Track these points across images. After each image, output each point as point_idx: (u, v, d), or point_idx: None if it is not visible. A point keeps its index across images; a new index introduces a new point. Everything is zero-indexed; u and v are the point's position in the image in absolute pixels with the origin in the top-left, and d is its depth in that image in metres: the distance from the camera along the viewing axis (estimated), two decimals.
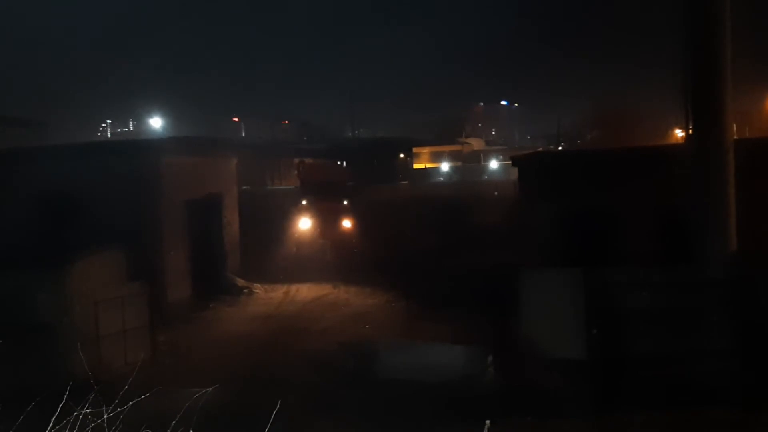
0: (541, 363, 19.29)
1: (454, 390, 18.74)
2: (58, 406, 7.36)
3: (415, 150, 77.03)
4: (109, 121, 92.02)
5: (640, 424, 16.42)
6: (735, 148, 20.26)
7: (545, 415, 16.92)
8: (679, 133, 40.48)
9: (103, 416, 7.06)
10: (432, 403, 17.86)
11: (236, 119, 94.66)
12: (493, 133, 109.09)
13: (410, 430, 16.28)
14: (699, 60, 20.29)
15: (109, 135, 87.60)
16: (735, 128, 24.30)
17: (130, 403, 7.39)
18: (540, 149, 60.82)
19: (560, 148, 69.03)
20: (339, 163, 62.21)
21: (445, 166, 75.51)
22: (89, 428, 6.96)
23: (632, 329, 19.18)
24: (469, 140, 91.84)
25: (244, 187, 42.73)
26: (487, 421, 7.26)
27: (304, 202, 42.10)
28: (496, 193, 43.32)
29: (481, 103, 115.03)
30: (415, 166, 75.94)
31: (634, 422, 16.52)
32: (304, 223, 39.77)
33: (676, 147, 26.39)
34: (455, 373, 19.63)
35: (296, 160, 58.18)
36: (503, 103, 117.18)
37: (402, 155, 71.75)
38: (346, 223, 40.04)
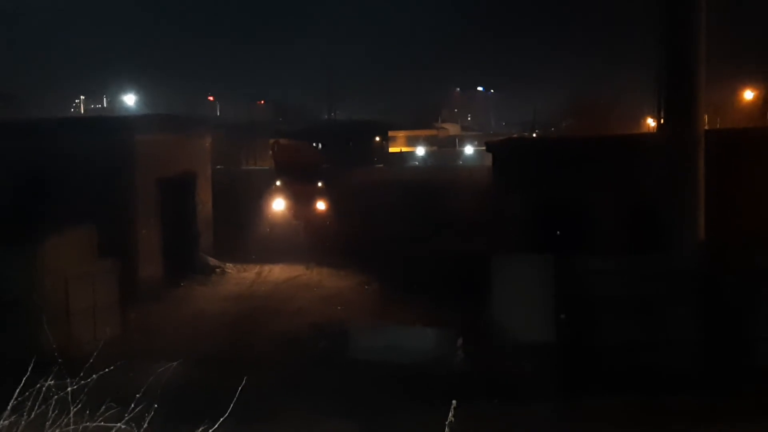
0: (510, 347, 19.49)
1: (423, 372, 18.86)
2: (21, 380, 7.33)
3: (390, 134, 76.95)
4: (82, 97, 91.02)
5: (607, 409, 16.59)
6: (706, 139, 20.48)
7: (512, 397, 17.06)
8: (651, 122, 40.82)
9: (67, 389, 7.05)
10: (401, 384, 17.97)
11: (212, 98, 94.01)
12: (469, 118, 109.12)
13: (378, 410, 16.36)
14: (672, 52, 20.46)
15: (82, 111, 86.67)
16: (707, 120, 24.54)
17: (94, 376, 7.37)
18: (515, 136, 60.99)
19: (534, 135, 69.27)
20: (314, 144, 62.00)
21: (420, 151, 75.56)
22: (53, 400, 6.94)
23: (601, 316, 19.40)
24: (445, 125, 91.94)
25: (219, 167, 42.50)
26: (453, 402, 7.33)
27: (278, 183, 41.97)
28: (470, 179, 43.41)
29: (458, 89, 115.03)
30: (391, 149, 75.89)
31: (601, 407, 16.68)
32: (278, 204, 39.67)
33: (649, 136, 26.65)
34: (425, 355, 19.74)
35: (271, 141, 57.88)
36: (480, 89, 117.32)
37: (378, 138, 71.63)
38: (320, 205, 40.00)
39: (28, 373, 7.41)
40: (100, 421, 6.97)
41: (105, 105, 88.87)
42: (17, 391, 7.10)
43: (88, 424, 6.90)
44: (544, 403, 16.89)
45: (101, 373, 7.65)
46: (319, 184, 42.18)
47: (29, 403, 6.94)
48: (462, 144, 79.90)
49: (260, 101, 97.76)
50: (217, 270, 32.20)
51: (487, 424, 14.83)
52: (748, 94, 53.43)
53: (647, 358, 18.67)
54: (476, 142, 73.94)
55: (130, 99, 76.36)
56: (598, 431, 15.71)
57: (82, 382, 7.27)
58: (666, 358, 18.55)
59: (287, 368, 19.71)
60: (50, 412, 6.89)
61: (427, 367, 19.22)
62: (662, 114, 20.91)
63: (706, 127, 22.00)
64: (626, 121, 48.97)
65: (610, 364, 18.53)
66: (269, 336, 22.81)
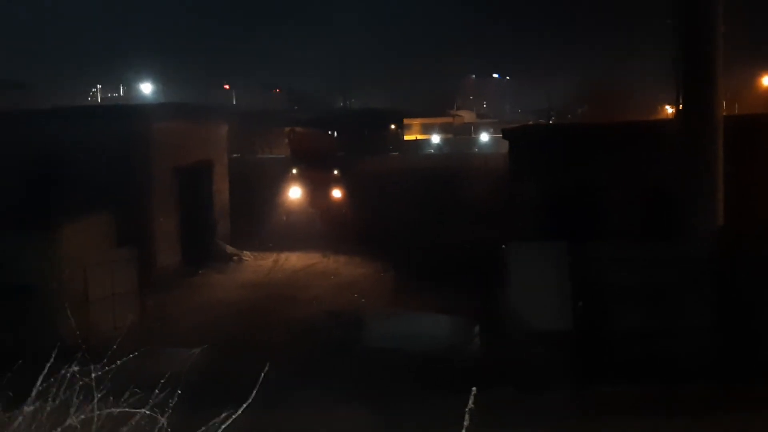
0: (526, 335, 19.50)
1: (439, 359, 18.92)
2: (45, 366, 7.44)
3: (405, 121, 76.88)
4: (99, 86, 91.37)
5: (621, 396, 16.61)
6: (724, 125, 20.37)
7: (529, 385, 17.11)
8: (669, 109, 40.57)
9: (91, 375, 7.15)
10: (417, 372, 18.04)
11: (227, 86, 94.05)
12: (485, 105, 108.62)
13: (394, 397, 16.44)
14: (690, 38, 20.34)
15: (99, 99, 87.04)
16: (725, 105, 24.38)
17: (118, 362, 7.47)
18: (530, 123, 60.79)
19: (551, 122, 68.98)
20: (330, 133, 62.06)
21: (435, 138, 75.49)
22: (77, 386, 7.04)
23: (617, 304, 19.39)
24: (460, 112, 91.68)
25: (235, 155, 42.63)
26: (474, 389, 7.37)
27: (294, 171, 42.08)
28: (485, 166, 43.37)
29: (473, 76, 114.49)
30: (406, 137, 75.87)
31: (615, 395, 16.71)
32: (294, 192, 39.79)
33: (666, 123, 26.48)
34: (441, 343, 19.81)
35: (287, 129, 58.01)
36: (495, 75, 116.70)
37: (393, 126, 71.62)
38: (336, 193, 40.09)
39: (52, 360, 7.51)
40: (125, 407, 7.07)
41: (121, 93, 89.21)
42: (41, 377, 7.20)
43: (112, 409, 7.00)
44: (560, 390, 16.94)
45: (124, 359, 7.75)
46: (335, 172, 42.27)
47: (54, 390, 7.05)
48: (477, 131, 79.73)
49: (276, 90, 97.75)
50: (234, 258, 32.39)
51: (503, 412, 14.85)
52: (767, 81, 53.04)
53: (661, 346, 18.66)
54: (491, 130, 73.76)
55: (146, 87, 76.70)
56: (613, 419, 15.73)
57: (106, 368, 7.37)
58: (680, 346, 18.54)
59: (304, 356, 19.82)
60: (74, 398, 6.99)
61: (444, 354, 19.28)
62: (680, 100, 20.79)
63: (724, 113, 21.85)
64: (643, 107, 48.75)
65: (624, 351, 18.54)
66: (286, 324, 22.94)
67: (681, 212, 20.33)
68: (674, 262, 19.46)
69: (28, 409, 6.96)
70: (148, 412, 7.01)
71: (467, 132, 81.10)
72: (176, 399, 7.32)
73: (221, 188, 34.36)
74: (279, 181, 40.43)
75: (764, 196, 22.21)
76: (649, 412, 15.92)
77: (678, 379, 17.23)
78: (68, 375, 7.14)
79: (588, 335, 19.08)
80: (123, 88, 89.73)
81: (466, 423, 6.44)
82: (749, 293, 19.05)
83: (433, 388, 16.74)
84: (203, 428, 7.08)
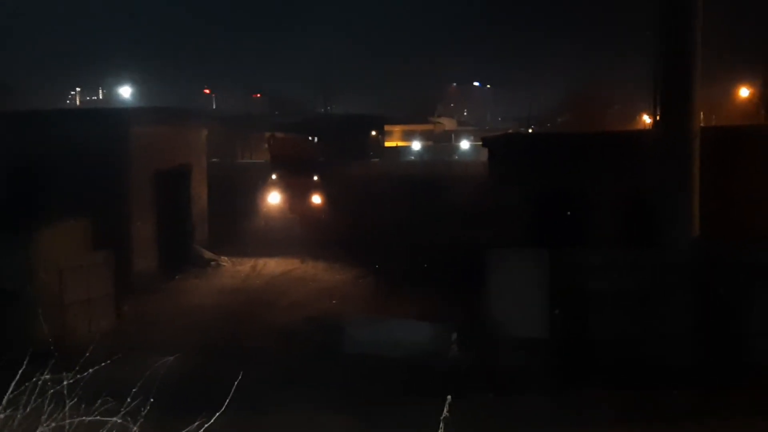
0: (504, 341, 19.53)
1: (417, 366, 18.90)
2: (17, 373, 7.33)
3: (386, 128, 77.03)
4: (78, 89, 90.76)
5: (601, 402, 16.66)
6: (701, 136, 20.54)
7: (507, 391, 17.13)
8: (647, 119, 40.87)
9: (63, 382, 7.05)
10: (395, 378, 18.01)
11: (207, 91, 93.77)
12: (465, 113, 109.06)
13: (373, 403, 16.40)
14: (669, 49, 20.51)
15: (77, 103, 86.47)
16: (702, 117, 24.60)
17: (90, 370, 7.37)
18: (510, 131, 60.99)
19: (530, 130, 69.27)
20: (310, 138, 62.00)
21: (416, 145, 75.61)
22: (48, 394, 6.94)
23: (596, 310, 19.48)
24: (441, 120, 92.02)
25: (214, 160, 42.43)
26: (449, 397, 7.34)
27: (273, 177, 41.93)
28: (465, 174, 43.45)
29: (454, 84, 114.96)
30: (387, 144, 76.00)
31: (596, 401, 16.75)
32: (274, 198, 39.65)
33: (644, 133, 26.67)
34: (420, 349, 19.78)
35: (267, 134, 57.88)
36: (476, 84, 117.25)
37: (374, 132, 71.70)
38: (316, 199, 39.99)
39: (24, 366, 7.40)
40: (96, 415, 6.97)
41: (101, 97, 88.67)
42: (13, 384, 7.09)
43: (84, 418, 6.91)
44: (539, 396, 16.95)
45: (97, 367, 7.65)
46: (315, 177, 42.16)
47: (25, 397, 6.94)
48: (458, 139, 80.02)
49: (256, 94, 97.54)
50: (212, 263, 32.19)
51: (481, 418, 14.88)
52: (744, 92, 53.55)
53: (642, 352, 18.77)
54: (472, 137, 74.03)
55: (125, 91, 76.28)
56: (592, 425, 15.77)
57: (78, 375, 7.27)
58: (660, 352, 18.65)
59: (282, 362, 19.73)
60: (46, 406, 6.89)
61: (422, 360, 19.26)
62: (658, 111, 20.96)
63: (702, 124, 22.03)
64: (622, 117, 49.10)
65: (604, 357, 18.60)
66: (264, 329, 22.82)
67: (660, 220, 20.46)
68: (654, 269, 19.59)
69: None
70: (119, 421, 6.92)
71: (448, 139, 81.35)
72: (149, 407, 7.23)
73: (200, 193, 34.18)
74: (258, 186, 40.26)
75: (743, 204, 22.40)
76: (629, 417, 15.98)
77: (659, 385, 17.33)
78: (40, 382, 7.04)
79: (568, 341, 19.13)
80: (102, 92, 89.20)
81: (441, 431, 6.41)
82: (729, 299, 19.20)
83: (411, 394, 16.71)
84: None
